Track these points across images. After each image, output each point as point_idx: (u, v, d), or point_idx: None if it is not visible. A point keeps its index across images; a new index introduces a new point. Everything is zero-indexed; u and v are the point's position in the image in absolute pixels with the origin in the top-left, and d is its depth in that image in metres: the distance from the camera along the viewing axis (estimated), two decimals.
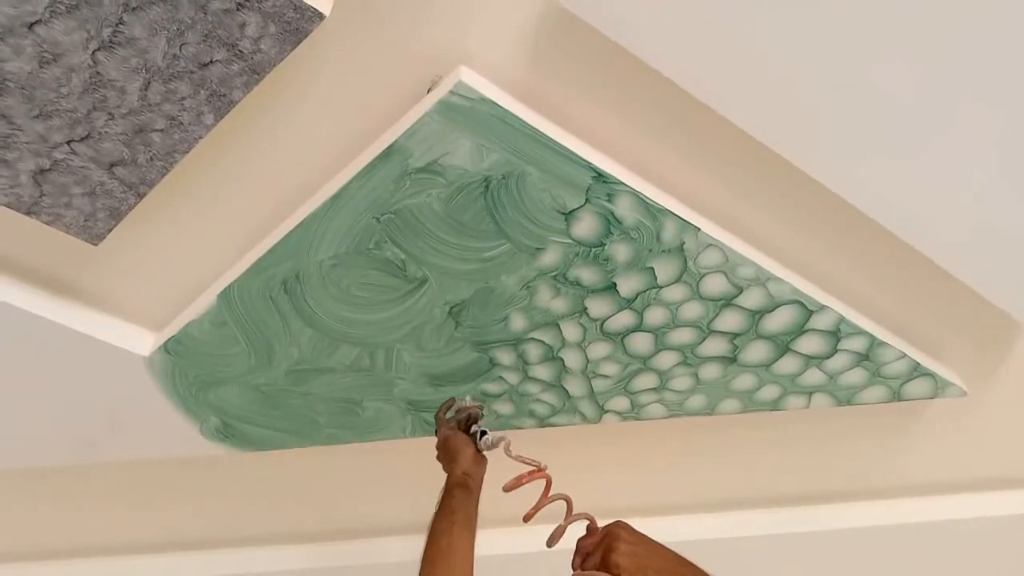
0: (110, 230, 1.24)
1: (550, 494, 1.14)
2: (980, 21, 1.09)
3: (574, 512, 1.10)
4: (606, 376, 1.54)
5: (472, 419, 1.38)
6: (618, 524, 1.01)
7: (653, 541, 0.98)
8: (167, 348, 1.40)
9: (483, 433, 1.30)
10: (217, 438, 1.55)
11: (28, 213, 1.19)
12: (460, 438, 1.32)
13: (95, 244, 1.26)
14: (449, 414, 1.43)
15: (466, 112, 1.17)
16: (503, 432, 1.28)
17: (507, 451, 1.22)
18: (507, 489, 1.14)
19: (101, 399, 1.46)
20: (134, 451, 1.58)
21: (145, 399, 1.46)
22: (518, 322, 1.44)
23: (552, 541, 1.10)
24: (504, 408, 1.58)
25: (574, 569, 1.01)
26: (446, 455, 1.30)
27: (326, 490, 1.80)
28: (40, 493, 1.75)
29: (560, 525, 1.10)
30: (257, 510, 1.83)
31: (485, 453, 1.28)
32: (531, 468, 1.17)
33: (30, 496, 1.75)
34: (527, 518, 1.12)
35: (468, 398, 1.48)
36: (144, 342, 1.43)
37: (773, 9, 1.09)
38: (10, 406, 1.46)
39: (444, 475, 1.23)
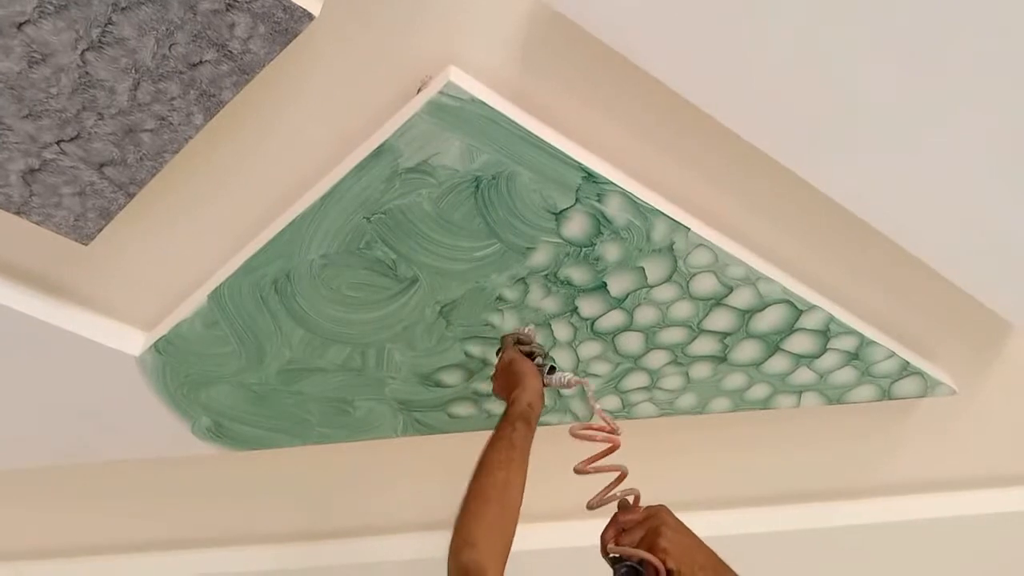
0: (100, 230, 1.24)
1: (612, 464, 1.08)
2: (970, 21, 1.10)
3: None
4: (597, 375, 1.55)
5: (536, 354, 1.30)
6: (663, 508, 0.98)
7: (693, 533, 0.96)
8: (158, 348, 1.40)
9: (552, 368, 1.21)
10: (208, 437, 1.55)
11: (18, 213, 1.18)
12: (528, 364, 1.23)
13: (85, 244, 1.26)
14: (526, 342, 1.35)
15: (456, 112, 1.17)
16: (580, 377, 1.19)
17: (590, 399, 1.14)
18: (575, 435, 1.11)
19: (92, 399, 1.46)
20: (125, 451, 1.58)
21: (136, 399, 1.46)
22: (509, 322, 1.44)
23: (593, 505, 1.05)
24: (496, 407, 1.58)
25: (605, 543, 0.98)
26: (509, 379, 1.21)
27: (317, 489, 1.81)
28: (31, 493, 1.75)
29: (609, 491, 1.05)
30: (248, 509, 1.83)
31: (547, 391, 1.21)
32: (605, 429, 1.12)
33: (21, 496, 1.75)
34: (582, 472, 1.07)
35: (532, 326, 1.40)
36: (135, 342, 1.43)
37: (761, 11, 1.09)
38: (0, 406, 1.46)
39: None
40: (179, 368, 1.43)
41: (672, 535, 0.93)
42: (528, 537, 1.68)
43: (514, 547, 1.55)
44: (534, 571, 1.57)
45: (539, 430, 1.57)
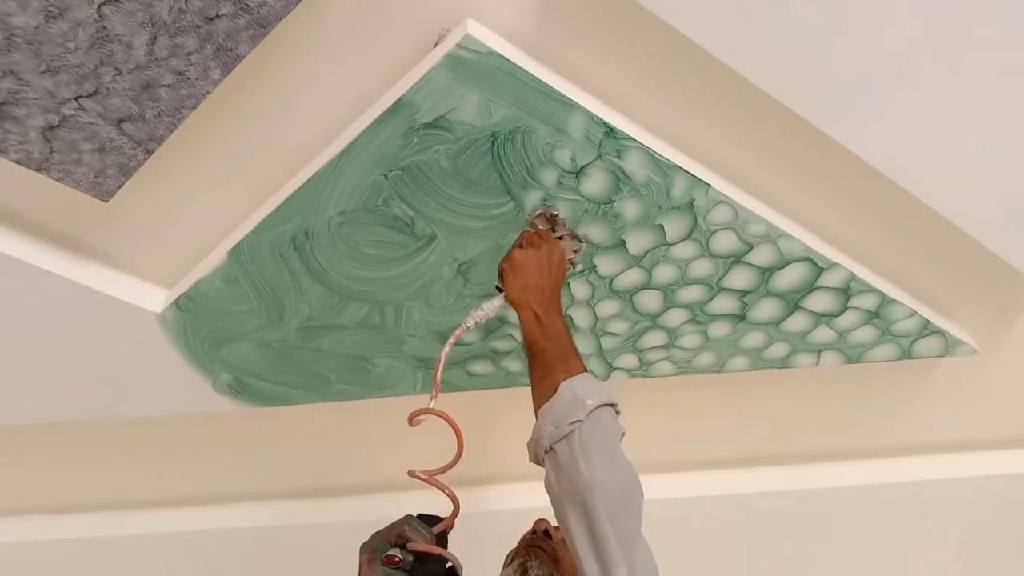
0: (120, 187, 1.25)
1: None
2: None
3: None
4: (614, 334, 1.55)
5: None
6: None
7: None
8: (179, 305, 1.41)
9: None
10: (229, 394, 1.57)
11: (38, 170, 1.19)
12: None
13: (105, 201, 1.26)
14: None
15: (473, 66, 1.16)
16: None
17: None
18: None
19: (113, 355, 1.48)
20: (147, 407, 1.60)
21: (158, 355, 1.48)
22: None
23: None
24: (513, 366, 1.59)
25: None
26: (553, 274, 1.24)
27: (335, 445, 1.83)
28: (54, 449, 1.78)
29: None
30: (267, 465, 1.85)
31: None
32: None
33: (43, 452, 1.78)
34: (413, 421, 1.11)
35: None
36: (156, 299, 1.44)
37: None
38: (23, 363, 1.48)
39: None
40: (200, 325, 1.45)
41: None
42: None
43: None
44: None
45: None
